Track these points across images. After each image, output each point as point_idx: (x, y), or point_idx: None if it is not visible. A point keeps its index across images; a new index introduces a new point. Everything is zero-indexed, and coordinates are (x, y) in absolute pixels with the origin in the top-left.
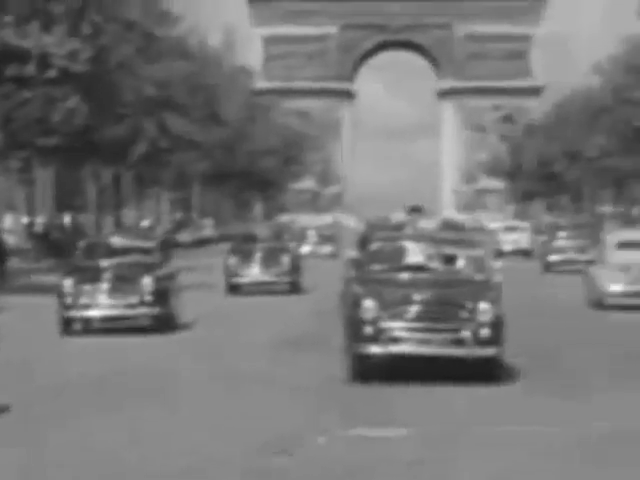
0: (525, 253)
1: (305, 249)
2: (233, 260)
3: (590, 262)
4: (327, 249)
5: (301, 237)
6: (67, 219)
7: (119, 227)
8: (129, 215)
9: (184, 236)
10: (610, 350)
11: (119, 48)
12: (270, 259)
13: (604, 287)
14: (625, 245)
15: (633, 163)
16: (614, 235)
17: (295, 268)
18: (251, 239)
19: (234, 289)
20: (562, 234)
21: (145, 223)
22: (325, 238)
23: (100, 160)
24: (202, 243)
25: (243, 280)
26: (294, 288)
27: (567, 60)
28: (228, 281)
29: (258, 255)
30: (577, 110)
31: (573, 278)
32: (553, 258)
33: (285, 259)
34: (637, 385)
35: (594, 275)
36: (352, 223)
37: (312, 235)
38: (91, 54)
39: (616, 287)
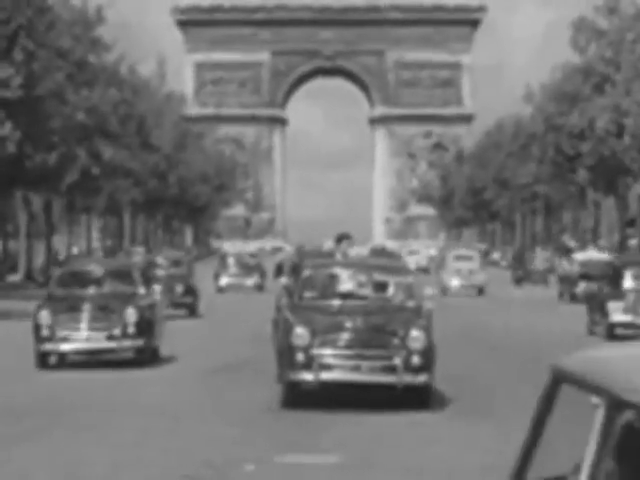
0: (424, 270)
1: (224, 281)
2: (45, 315)
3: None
4: (251, 280)
5: (222, 266)
6: None
7: (50, 253)
8: (60, 242)
9: None
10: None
11: (51, 75)
12: (106, 313)
13: (447, 283)
14: (458, 258)
15: (563, 190)
16: (451, 251)
17: (145, 326)
18: (80, 281)
19: (48, 360)
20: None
21: (75, 250)
22: (249, 268)
23: (31, 187)
24: None
25: (63, 346)
26: (144, 356)
27: (500, 88)
28: (38, 348)
29: (87, 307)
30: (508, 137)
31: None
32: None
33: (130, 313)
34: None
35: (442, 276)
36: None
37: (232, 264)
38: (22, 81)
39: (454, 283)
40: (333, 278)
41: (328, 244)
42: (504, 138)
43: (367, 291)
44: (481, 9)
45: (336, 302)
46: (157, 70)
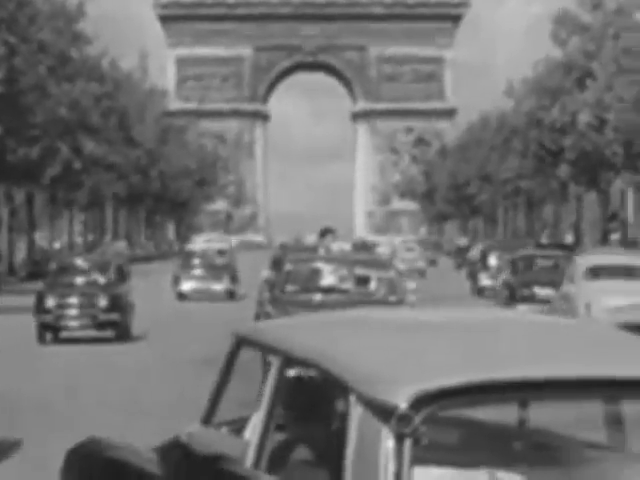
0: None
1: (186, 285)
2: None
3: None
4: (220, 285)
5: (184, 267)
6: None
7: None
8: (42, 236)
9: None
10: None
11: (33, 69)
12: None
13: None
14: (406, 249)
15: (545, 185)
16: (401, 245)
17: None
18: None
19: None
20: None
21: (57, 244)
22: (217, 269)
23: (13, 180)
24: None
25: None
26: None
27: (483, 83)
28: None
29: None
30: (491, 132)
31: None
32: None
33: None
34: None
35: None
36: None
37: (197, 264)
38: (4, 75)
39: (401, 267)
40: (315, 272)
41: (311, 238)
42: (487, 133)
43: (349, 285)
44: (463, 4)
45: (318, 296)
46: (139, 64)
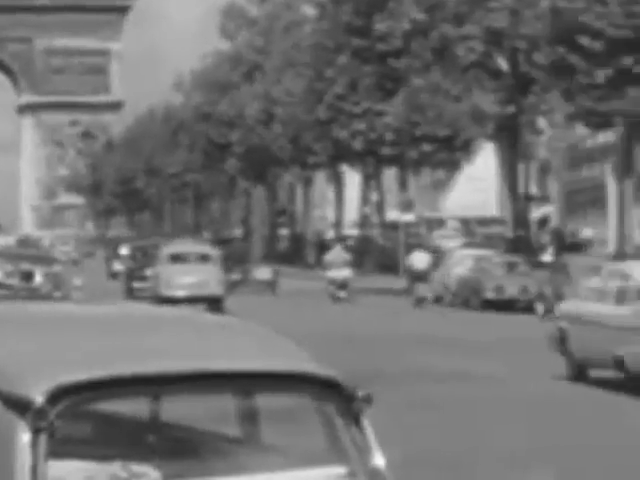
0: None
1: None
2: None
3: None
4: None
5: None
6: None
7: None
8: None
9: None
10: None
11: None
12: None
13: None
14: (62, 243)
15: (213, 179)
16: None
17: None
18: None
19: None
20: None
21: None
22: None
23: None
24: None
25: None
26: None
27: (153, 76)
28: None
29: None
30: (157, 126)
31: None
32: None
33: None
34: None
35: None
36: None
37: None
38: None
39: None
40: None
41: None
42: (154, 126)
43: (14, 281)
44: None
45: None
46: None
